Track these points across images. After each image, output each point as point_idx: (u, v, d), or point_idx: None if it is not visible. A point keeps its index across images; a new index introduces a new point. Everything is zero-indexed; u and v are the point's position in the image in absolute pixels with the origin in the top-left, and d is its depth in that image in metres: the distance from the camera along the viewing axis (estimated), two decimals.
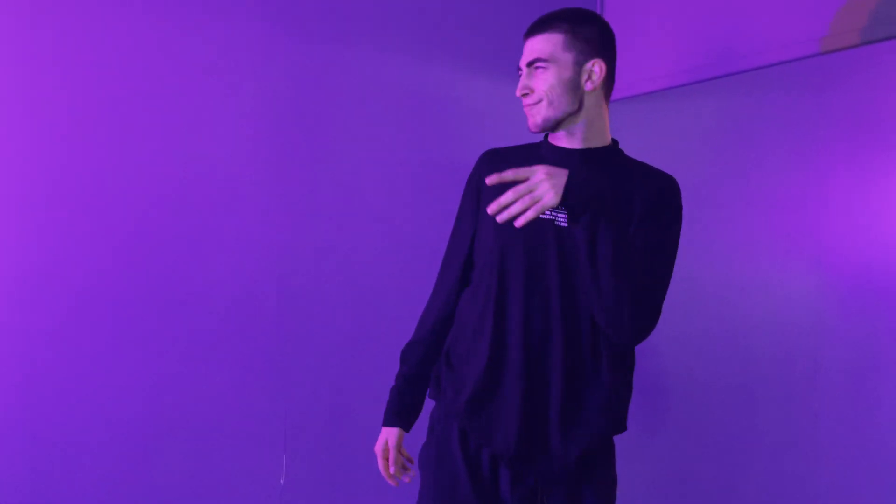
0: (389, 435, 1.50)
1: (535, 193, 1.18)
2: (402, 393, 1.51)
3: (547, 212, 1.29)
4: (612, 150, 1.45)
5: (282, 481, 2.17)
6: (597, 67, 1.38)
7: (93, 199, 2.05)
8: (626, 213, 1.35)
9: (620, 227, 1.27)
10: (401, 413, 1.51)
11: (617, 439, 1.47)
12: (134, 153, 2.09)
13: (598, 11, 2.66)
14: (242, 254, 2.19)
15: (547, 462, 1.37)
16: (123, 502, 2.06)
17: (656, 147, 2.65)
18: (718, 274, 2.76)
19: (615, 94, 2.28)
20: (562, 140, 1.42)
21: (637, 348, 1.45)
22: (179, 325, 2.12)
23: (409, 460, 1.54)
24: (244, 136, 2.20)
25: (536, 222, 1.23)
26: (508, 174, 1.21)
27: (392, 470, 1.50)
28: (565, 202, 1.19)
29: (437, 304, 1.53)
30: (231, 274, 2.18)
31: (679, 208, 1.44)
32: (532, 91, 1.39)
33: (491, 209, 1.20)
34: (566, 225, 1.34)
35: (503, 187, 1.24)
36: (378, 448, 1.51)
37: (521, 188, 1.19)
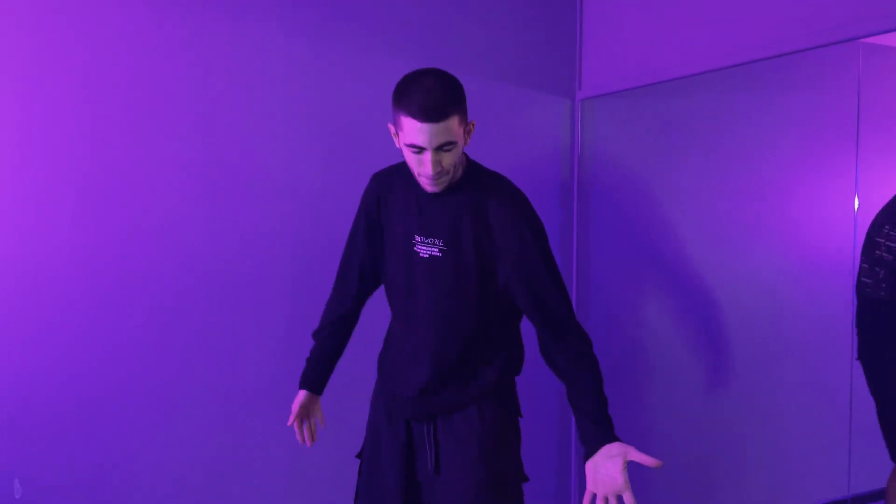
0: (298, 395, 1.88)
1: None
2: (311, 366, 1.90)
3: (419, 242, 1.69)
4: (463, 176, 1.68)
5: (302, 443, 2.41)
6: (469, 127, 1.61)
7: (105, 194, 2.16)
8: (482, 238, 1.66)
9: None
10: (307, 381, 1.89)
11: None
12: (148, 146, 2.20)
13: (578, 20, 2.88)
14: (256, 241, 2.33)
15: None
16: (160, 459, 2.23)
17: (631, 140, 2.92)
18: (690, 258, 3.04)
19: (592, 91, 2.54)
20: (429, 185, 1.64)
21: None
22: (207, 306, 2.27)
23: (321, 421, 1.94)
24: (253, 130, 2.32)
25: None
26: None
27: (289, 421, 1.86)
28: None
29: (334, 305, 1.89)
30: (249, 266, 2.32)
31: (533, 228, 1.71)
32: (443, 169, 1.57)
33: None
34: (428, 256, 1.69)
35: (396, 218, 1.70)
36: (294, 405, 1.88)
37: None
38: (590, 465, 1.51)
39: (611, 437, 1.52)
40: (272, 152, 2.35)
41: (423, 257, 1.68)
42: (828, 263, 2.85)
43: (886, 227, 2.55)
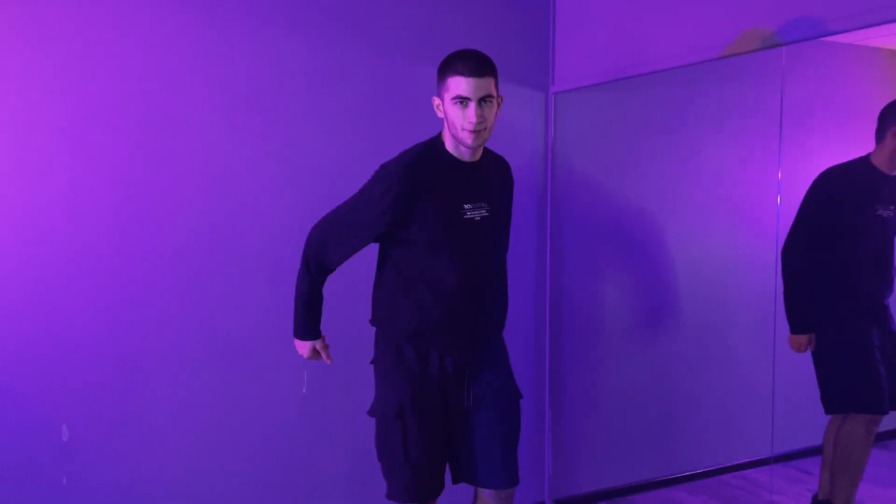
0: (315, 343, 2.17)
1: None
2: (313, 317, 2.15)
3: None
4: (483, 151, 2.04)
5: (304, 390, 2.73)
6: (499, 99, 1.94)
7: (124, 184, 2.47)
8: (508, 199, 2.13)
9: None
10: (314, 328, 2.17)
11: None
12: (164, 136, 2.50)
13: (551, 19, 3.17)
14: (266, 217, 2.64)
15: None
16: (181, 416, 2.58)
17: (600, 130, 3.24)
18: (648, 237, 3.38)
19: (564, 85, 2.85)
20: (466, 155, 1.96)
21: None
22: (222, 271, 2.58)
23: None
24: (245, 128, 2.62)
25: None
26: None
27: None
28: None
29: (331, 260, 2.05)
30: (259, 236, 2.63)
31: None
32: (484, 121, 1.86)
33: None
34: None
35: (439, 195, 1.94)
36: (306, 354, 2.18)
37: None
38: None
39: None
40: (275, 143, 2.65)
41: (475, 220, 1.98)
42: (756, 245, 3.20)
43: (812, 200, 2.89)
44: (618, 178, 3.28)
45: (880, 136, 2.73)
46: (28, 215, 2.31)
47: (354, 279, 2.46)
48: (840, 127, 3.07)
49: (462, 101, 1.86)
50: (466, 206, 1.98)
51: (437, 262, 1.99)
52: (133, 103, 2.43)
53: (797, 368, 2.92)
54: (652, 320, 3.45)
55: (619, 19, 2.85)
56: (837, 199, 2.75)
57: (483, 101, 1.86)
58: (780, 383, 2.86)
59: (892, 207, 2.77)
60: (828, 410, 2.89)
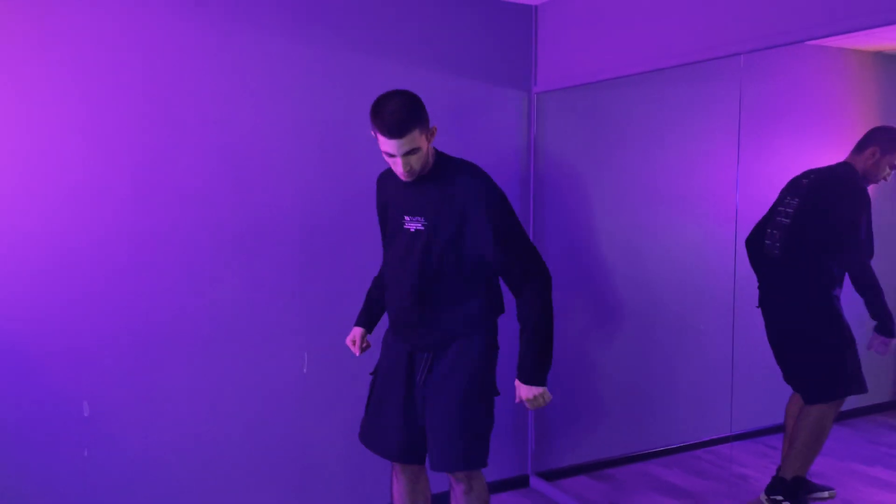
0: (355, 331, 2.50)
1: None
2: (365, 307, 2.53)
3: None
4: (434, 167, 2.19)
5: (304, 370, 2.95)
6: (431, 132, 2.11)
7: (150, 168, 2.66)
8: (456, 214, 2.15)
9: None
10: (361, 319, 2.52)
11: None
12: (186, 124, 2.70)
13: (534, 26, 3.39)
14: (277, 197, 2.84)
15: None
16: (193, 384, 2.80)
17: (578, 127, 3.47)
18: (623, 225, 3.62)
19: (546, 86, 3.07)
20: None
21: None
22: (235, 253, 2.78)
23: (368, 346, 2.51)
24: (266, 124, 2.81)
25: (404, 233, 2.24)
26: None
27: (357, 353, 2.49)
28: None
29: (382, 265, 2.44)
30: (266, 228, 2.81)
31: (493, 199, 2.21)
32: (412, 168, 2.08)
33: None
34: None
35: (392, 208, 2.25)
36: (348, 339, 2.50)
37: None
38: (517, 383, 2.21)
39: (524, 379, 2.19)
40: (279, 141, 2.85)
41: (410, 231, 2.19)
42: (719, 235, 3.45)
43: (787, 197, 3.13)
44: (595, 171, 3.52)
45: (860, 148, 2.99)
46: (51, 206, 2.49)
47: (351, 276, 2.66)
48: (806, 126, 3.34)
49: (390, 155, 2.08)
50: (406, 217, 2.22)
51: (392, 262, 2.31)
52: (149, 102, 2.62)
53: (756, 352, 3.18)
54: (628, 306, 3.69)
55: (595, 28, 3.07)
56: (858, 195, 2.98)
57: (408, 154, 2.05)
58: (744, 365, 3.11)
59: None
60: (812, 400, 3.11)
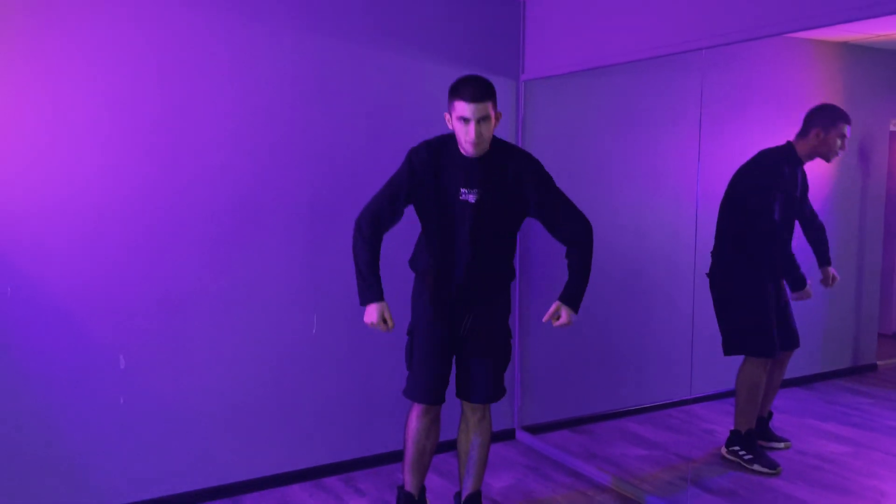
0: (380, 306, 2.59)
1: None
2: (375, 279, 2.60)
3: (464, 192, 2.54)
4: (492, 148, 2.54)
5: (314, 331, 3.30)
6: (498, 115, 2.48)
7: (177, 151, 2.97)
8: (510, 189, 2.54)
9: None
10: (377, 292, 2.61)
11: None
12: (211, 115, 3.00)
13: (521, 19, 3.69)
14: (291, 174, 3.15)
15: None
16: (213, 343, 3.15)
17: (561, 111, 3.78)
18: (607, 200, 3.95)
19: (532, 74, 3.39)
20: (471, 151, 2.48)
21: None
22: (249, 222, 3.10)
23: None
24: (290, 107, 3.12)
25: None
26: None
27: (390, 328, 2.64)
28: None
29: (377, 226, 2.58)
30: (280, 202, 3.12)
31: (544, 175, 2.64)
32: (481, 136, 2.41)
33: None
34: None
35: (443, 182, 2.51)
36: (374, 318, 2.58)
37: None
38: (557, 304, 2.64)
39: (566, 301, 2.64)
40: (289, 126, 3.16)
41: (469, 202, 2.53)
42: (683, 212, 3.78)
43: (739, 181, 3.45)
44: (577, 152, 3.84)
45: (805, 129, 3.30)
46: (93, 185, 2.80)
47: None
48: (773, 113, 3.67)
49: (465, 120, 2.40)
50: (463, 190, 2.54)
51: (443, 231, 2.60)
52: (175, 91, 2.92)
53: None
54: (606, 276, 4.02)
55: (577, 22, 3.38)
56: (786, 174, 3.32)
57: (481, 121, 2.40)
58: (705, 331, 3.45)
59: (800, 186, 3.38)
60: (726, 353, 3.48)
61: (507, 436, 3.84)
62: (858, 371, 4.46)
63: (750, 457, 3.41)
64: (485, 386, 2.69)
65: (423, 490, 2.83)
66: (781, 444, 3.66)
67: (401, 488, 2.82)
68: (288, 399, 3.25)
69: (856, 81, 4.12)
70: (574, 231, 2.63)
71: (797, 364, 4.33)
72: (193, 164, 2.98)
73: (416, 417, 2.73)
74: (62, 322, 2.79)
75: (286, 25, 3.11)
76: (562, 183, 3.87)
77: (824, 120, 3.28)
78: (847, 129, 3.28)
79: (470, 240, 2.56)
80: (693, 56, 2.93)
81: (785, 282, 3.45)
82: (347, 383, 3.37)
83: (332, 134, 3.25)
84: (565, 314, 2.61)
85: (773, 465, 3.38)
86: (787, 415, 4.10)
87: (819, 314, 4.40)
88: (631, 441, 3.82)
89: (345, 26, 3.23)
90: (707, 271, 3.48)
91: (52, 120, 2.72)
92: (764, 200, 3.29)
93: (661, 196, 3.96)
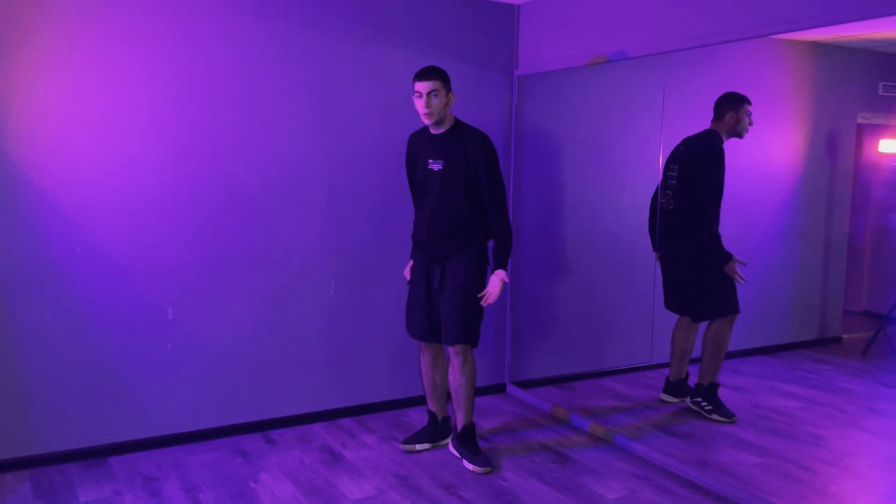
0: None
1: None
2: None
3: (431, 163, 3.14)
4: (452, 126, 3.15)
5: (331, 291, 3.80)
6: (450, 95, 3.09)
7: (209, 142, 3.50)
8: (464, 159, 3.11)
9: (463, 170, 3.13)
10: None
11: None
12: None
13: (516, 21, 4.17)
14: (308, 162, 3.66)
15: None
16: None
17: (551, 104, 4.26)
18: (590, 182, 4.43)
19: (525, 71, 3.87)
20: (431, 129, 3.14)
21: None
22: (280, 198, 3.61)
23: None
24: (305, 102, 3.61)
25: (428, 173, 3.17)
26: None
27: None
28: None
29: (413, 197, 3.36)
30: (307, 181, 3.62)
31: (489, 153, 3.18)
32: (432, 107, 3.04)
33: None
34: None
35: (418, 158, 3.16)
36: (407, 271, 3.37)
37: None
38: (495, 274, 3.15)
39: (501, 265, 3.14)
40: (310, 117, 3.66)
41: (434, 170, 3.15)
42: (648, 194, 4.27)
43: (671, 163, 3.90)
44: (562, 138, 4.34)
45: (719, 115, 3.75)
46: (147, 161, 3.31)
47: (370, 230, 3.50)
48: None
49: (419, 94, 3.06)
50: (430, 161, 3.17)
51: (420, 197, 3.26)
52: (216, 93, 3.42)
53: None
54: (590, 252, 4.53)
55: (565, 25, 3.86)
56: (716, 158, 3.79)
57: (431, 94, 3.04)
58: (658, 304, 3.92)
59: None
60: (696, 319, 3.96)
61: (498, 389, 4.35)
62: (824, 343, 4.93)
63: (710, 407, 3.89)
64: (452, 328, 3.20)
65: (446, 417, 3.52)
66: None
67: (428, 410, 3.53)
68: (308, 350, 3.76)
69: (825, 78, 4.57)
70: (496, 230, 3.20)
71: (766, 334, 4.86)
72: (231, 149, 3.48)
73: (420, 355, 3.40)
74: (121, 278, 3.30)
75: (311, 31, 3.60)
76: (549, 165, 4.39)
77: (734, 103, 3.77)
78: (750, 108, 3.75)
79: (436, 203, 3.16)
80: (664, 56, 3.40)
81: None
82: (359, 338, 3.88)
83: (347, 122, 3.74)
84: (501, 277, 3.16)
85: (729, 415, 3.87)
86: (750, 377, 4.59)
87: (787, 289, 4.88)
88: (608, 395, 4.32)
89: (361, 30, 3.72)
90: (656, 249, 3.93)
91: (118, 112, 3.23)
92: (717, 180, 3.77)
93: (630, 178, 4.43)
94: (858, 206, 4.81)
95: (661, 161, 3.73)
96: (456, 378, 3.28)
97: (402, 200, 3.80)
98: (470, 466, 3.26)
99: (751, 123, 3.80)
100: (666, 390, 4.07)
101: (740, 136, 3.78)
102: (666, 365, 4.52)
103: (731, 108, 3.75)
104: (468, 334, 3.21)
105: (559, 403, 4.11)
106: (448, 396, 3.48)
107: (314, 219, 3.72)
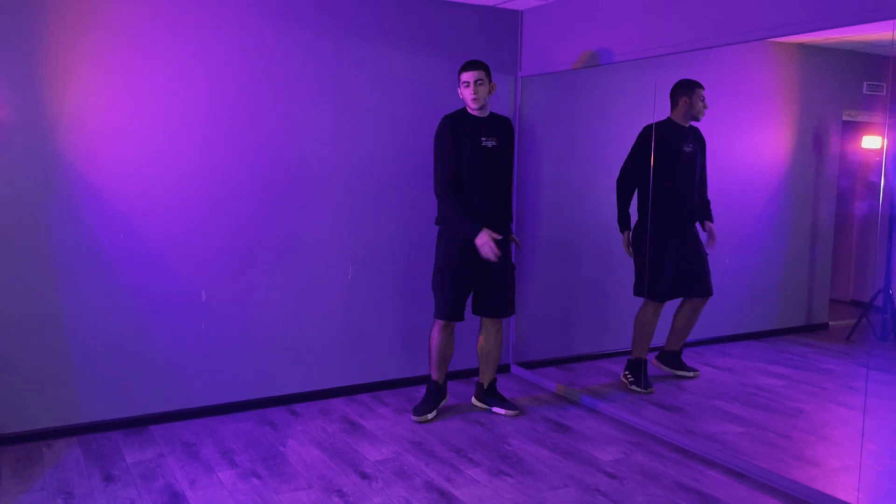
0: (487, 232, 3.54)
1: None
2: (470, 216, 3.60)
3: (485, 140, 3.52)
4: (493, 113, 3.66)
5: (349, 277, 4.15)
6: (492, 85, 3.48)
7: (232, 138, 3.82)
8: (509, 139, 3.58)
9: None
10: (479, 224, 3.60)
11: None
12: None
13: (519, 26, 4.49)
14: (328, 152, 3.99)
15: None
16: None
17: (551, 103, 4.57)
18: (586, 174, 4.74)
19: (528, 72, 4.20)
20: (476, 114, 3.48)
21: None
22: (299, 188, 3.95)
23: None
24: (321, 101, 3.93)
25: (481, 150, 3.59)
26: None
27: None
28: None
29: (456, 184, 3.60)
30: (329, 172, 3.93)
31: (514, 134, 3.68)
32: (478, 95, 3.52)
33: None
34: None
35: (468, 136, 3.52)
36: (488, 238, 3.52)
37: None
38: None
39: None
40: (332, 113, 3.98)
41: (488, 147, 3.61)
42: None
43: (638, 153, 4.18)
44: (562, 134, 4.65)
45: (674, 102, 4.04)
46: (184, 159, 3.63)
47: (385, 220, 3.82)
48: (736, 106, 4.43)
49: (466, 84, 3.56)
50: (483, 139, 3.58)
51: (472, 174, 3.60)
52: (248, 96, 3.74)
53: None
54: (589, 242, 4.84)
55: (565, 30, 4.17)
56: (657, 143, 4.05)
57: (477, 83, 3.55)
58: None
59: (691, 146, 4.04)
60: (635, 294, 4.27)
61: (504, 369, 4.67)
62: (811, 329, 5.23)
63: (633, 379, 4.28)
64: (506, 304, 3.82)
65: (445, 382, 3.90)
66: (691, 374, 4.49)
67: (429, 378, 3.89)
68: (328, 331, 4.09)
69: (812, 78, 4.87)
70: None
71: (755, 320, 5.17)
72: (259, 148, 3.80)
73: (438, 332, 3.73)
74: (160, 263, 3.62)
75: (335, 39, 3.91)
76: (548, 158, 4.71)
77: (686, 89, 4.04)
78: (703, 92, 3.99)
79: (490, 178, 3.62)
80: (657, 59, 3.71)
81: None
82: (374, 320, 4.21)
83: (366, 119, 4.06)
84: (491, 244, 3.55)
85: (648, 386, 4.24)
86: (738, 359, 4.91)
87: (776, 277, 5.18)
88: (603, 374, 4.64)
89: (380, 38, 4.04)
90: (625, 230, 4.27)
91: (159, 113, 3.54)
92: (658, 160, 4.04)
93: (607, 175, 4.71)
94: (843, 199, 5.10)
95: (652, 156, 4.04)
96: (496, 343, 3.88)
97: (415, 194, 4.12)
98: (502, 411, 3.88)
99: (705, 107, 4.04)
100: (626, 368, 4.40)
101: (697, 119, 4.03)
102: (657, 348, 4.87)
103: (684, 93, 4.03)
104: (513, 308, 3.87)
105: (560, 381, 4.43)
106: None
107: (334, 210, 4.03)
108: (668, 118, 4.09)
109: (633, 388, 4.24)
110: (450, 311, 3.67)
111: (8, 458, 3.24)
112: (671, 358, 4.41)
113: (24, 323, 3.37)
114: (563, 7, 4.16)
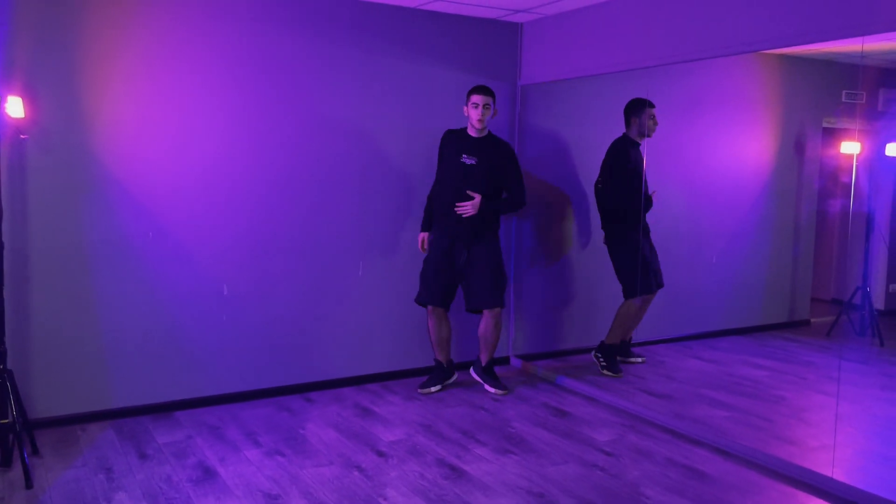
0: (423, 235, 4.03)
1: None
2: (426, 218, 4.07)
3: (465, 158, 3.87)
4: (489, 135, 4.00)
5: (360, 273, 4.40)
6: (495, 109, 3.86)
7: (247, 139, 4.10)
8: (495, 159, 3.91)
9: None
10: (425, 226, 4.04)
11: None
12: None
13: (519, 37, 4.77)
14: (336, 155, 4.30)
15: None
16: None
17: (550, 110, 4.85)
18: (582, 175, 5.02)
19: (528, 81, 4.48)
20: (474, 133, 3.87)
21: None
22: (310, 184, 4.21)
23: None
24: (335, 106, 4.20)
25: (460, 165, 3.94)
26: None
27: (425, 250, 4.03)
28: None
29: (433, 185, 4.00)
30: (343, 175, 4.21)
31: (514, 158, 4.05)
32: (483, 117, 3.99)
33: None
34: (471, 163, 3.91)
35: (452, 152, 3.93)
36: (420, 239, 4.08)
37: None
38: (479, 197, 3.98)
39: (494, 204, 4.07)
40: (343, 119, 4.25)
41: (466, 163, 3.92)
42: None
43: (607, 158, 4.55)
44: (561, 141, 4.93)
45: (627, 121, 4.39)
46: (208, 162, 3.88)
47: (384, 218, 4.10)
48: (720, 116, 4.73)
49: (475, 105, 3.87)
50: (464, 156, 3.90)
51: (447, 187, 3.94)
52: (266, 101, 4.00)
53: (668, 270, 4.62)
54: (584, 241, 5.12)
55: (562, 42, 4.45)
56: (622, 159, 4.42)
57: (484, 107, 4.00)
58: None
59: (637, 161, 4.36)
60: (625, 297, 4.56)
61: (503, 361, 4.94)
62: (793, 325, 5.53)
63: (605, 363, 4.62)
64: (484, 295, 4.12)
65: (450, 361, 4.37)
66: (639, 359, 4.84)
67: (435, 359, 4.34)
68: (340, 324, 4.34)
69: (793, 87, 5.17)
70: (517, 198, 4.17)
71: (740, 316, 5.46)
72: (277, 152, 4.06)
73: (428, 317, 4.19)
74: (185, 259, 3.87)
75: (348, 50, 4.18)
76: (546, 163, 4.99)
77: (635, 109, 4.38)
78: (653, 111, 4.28)
79: (460, 191, 4.00)
80: (649, 69, 4.00)
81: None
82: (384, 315, 4.47)
83: (376, 125, 4.33)
84: (475, 201, 4.00)
85: (617, 371, 4.58)
86: (724, 352, 5.20)
87: (760, 277, 5.47)
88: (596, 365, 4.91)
89: (389, 49, 4.31)
90: (603, 240, 4.62)
91: (185, 120, 3.80)
92: (625, 175, 4.41)
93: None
94: (823, 202, 5.40)
95: (644, 158, 4.33)
96: (490, 329, 4.22)
97: (420, 196, 4.39)
98: (492, 389, 4.31)
99: (655, 124, 4.34)
100: (596, 350, 4.72)
101: (648, 136, 4.34)
102: (649, 343, 5.16)
103: (634, 114, 4.40)
104: (499, 299, 4.19)
105: (550, 369, 4.70)
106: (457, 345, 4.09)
107: (346, 211, 4.29)
108: (623, 135, 4.43)
109: (605, 372, 4.59)
110: (427, 296, 4.18)
111: (47, 439, 3.47)
112: (623, 347, 4.71)
113: (61, 315, 3.60)
114: (561, 20, 4.44)
